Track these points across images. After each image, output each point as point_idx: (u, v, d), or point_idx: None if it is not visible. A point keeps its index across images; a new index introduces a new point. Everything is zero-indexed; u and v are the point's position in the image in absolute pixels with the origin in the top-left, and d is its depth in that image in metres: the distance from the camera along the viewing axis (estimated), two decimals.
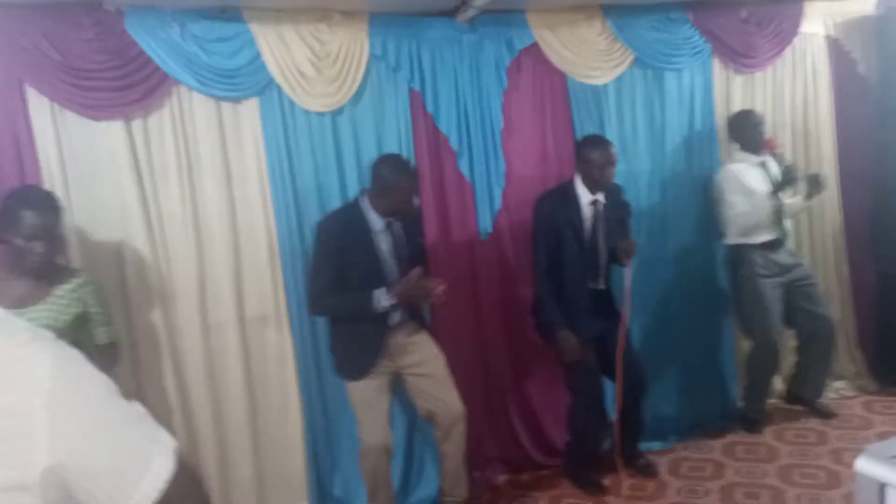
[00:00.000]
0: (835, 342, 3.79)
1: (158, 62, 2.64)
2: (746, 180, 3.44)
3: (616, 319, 3.14)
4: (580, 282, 3.07)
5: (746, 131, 3.51)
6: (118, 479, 0.75)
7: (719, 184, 3.53)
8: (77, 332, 2.30)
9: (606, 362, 3.13)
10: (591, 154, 3.00)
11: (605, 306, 3.17)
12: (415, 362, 2.79)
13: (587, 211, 3.07)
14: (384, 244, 2.72)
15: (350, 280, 2.66)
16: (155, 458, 0.77)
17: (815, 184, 3.44)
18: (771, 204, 3.39)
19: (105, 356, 2.38)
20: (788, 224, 3.53)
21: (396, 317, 2.74)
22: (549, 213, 3.05)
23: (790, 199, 3.45)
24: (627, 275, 3.07)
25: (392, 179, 2.67)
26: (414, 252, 2.85)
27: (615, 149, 3.09)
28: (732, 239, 3.53)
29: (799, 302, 3.58)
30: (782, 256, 3.52)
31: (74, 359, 0.77)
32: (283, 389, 3.00)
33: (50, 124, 2.56)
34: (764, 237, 3.47)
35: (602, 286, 3.16)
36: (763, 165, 3.49)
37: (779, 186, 3.40)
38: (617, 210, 3.13)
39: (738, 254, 3.53)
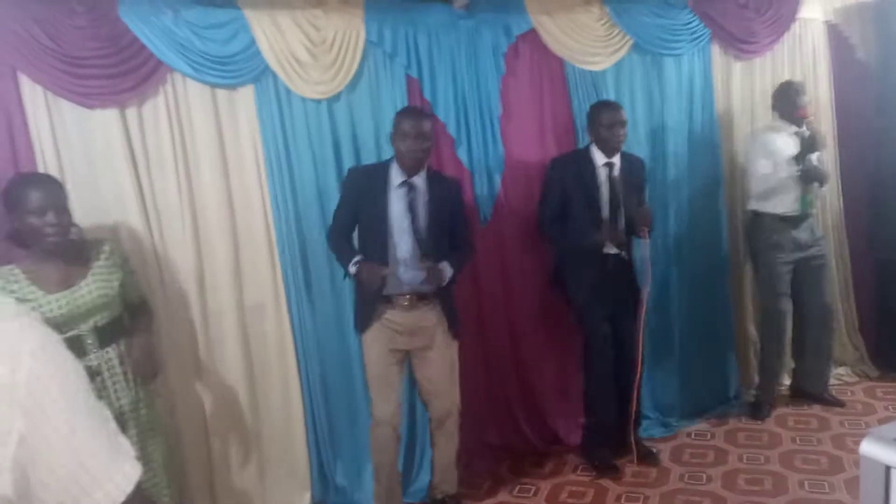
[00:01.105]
0: (833, 332, 3.78)
1: (152, 49, 2.60)
2: (773, 144, 3.48)
3: (633, 294, 3.16)
4: (596, 248, 3.08)
5: (783, 100, 3.54)
6: (83, 474, 0.73)
7: (746, 149, 3.64)
8: (122, 297, 2.35)
9: (615, 340, 3.15)
10: (600, 115, 3.06)
11: (624, 279, 3.18)
12: (421, 346, 2.74)
13: (602, 173, 3.09)
14: (397, 203, 2.61)
15: (363, 230, 2.66)
16: (124, 465, 0.76)
17: (809, 144, 3.41)
18: (790, 169, 3.40)
19: (144, 313, 2.47)
20: (813, 202, 3.52)
21: (398, 288, 2.63)
22: (559, 175, 3.11)
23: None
24: (645, 246, 3.07)
25: (395, 122, 2.62)
26: (439, 226, 2.63)
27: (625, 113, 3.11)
28: (754, 204, 3.58)
29: (804, 282, 3.58)
30: (802, 233, 3.53)
31: (55, 341, 0.76)
32: (284, 378, 2.98)
33: (44, 113, 2.52)
34: (785, 208, 3.48)
35: (622, 254, 3.14)
36: (798, 135, 3.46)
37: (800, 154, 3.40)
38: (633, 178, 3.14)
39: (757, 223, 3.58)
